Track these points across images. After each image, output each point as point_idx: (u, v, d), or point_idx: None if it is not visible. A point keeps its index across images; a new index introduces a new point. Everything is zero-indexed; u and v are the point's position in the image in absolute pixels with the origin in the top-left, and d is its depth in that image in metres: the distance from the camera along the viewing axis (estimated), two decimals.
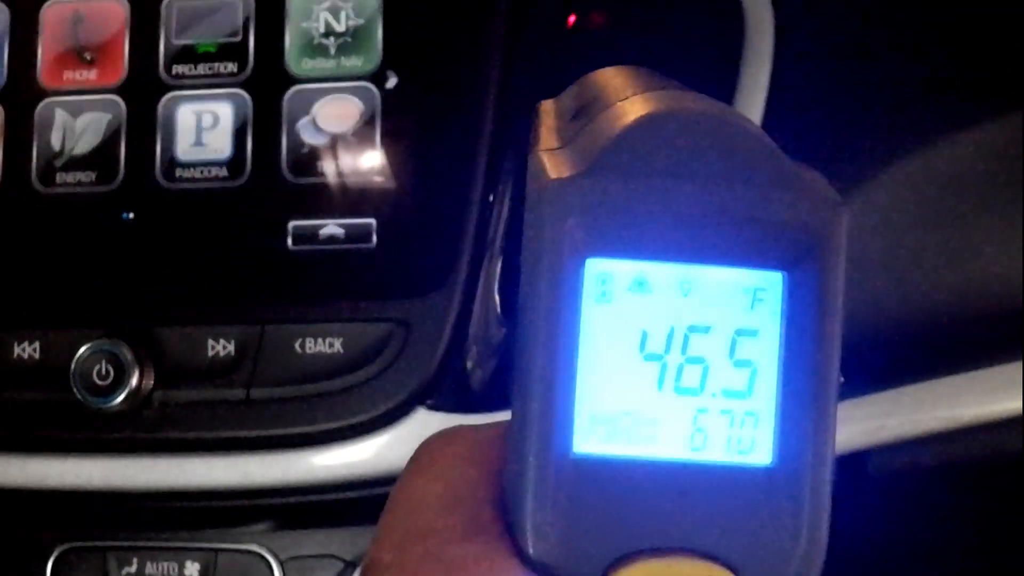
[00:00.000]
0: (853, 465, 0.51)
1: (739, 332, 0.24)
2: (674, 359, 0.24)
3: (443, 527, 0.24)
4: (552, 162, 0.24)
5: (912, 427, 0.47)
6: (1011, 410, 0.46)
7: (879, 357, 0.47)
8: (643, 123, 0.23)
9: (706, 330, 0.24)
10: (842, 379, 0.24)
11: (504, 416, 0.45)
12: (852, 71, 0.50)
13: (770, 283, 0.24)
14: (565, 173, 0.23)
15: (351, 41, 0.47)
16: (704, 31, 0.50)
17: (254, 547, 0.50)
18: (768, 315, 0.24)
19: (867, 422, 0.47)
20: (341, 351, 0.45)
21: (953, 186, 0.48)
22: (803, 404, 0.24)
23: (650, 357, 0.24)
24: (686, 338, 0.24)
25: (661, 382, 0.24)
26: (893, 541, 0.53)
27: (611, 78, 0.27)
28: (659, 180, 0.23)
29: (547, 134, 0.26)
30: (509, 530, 0.24)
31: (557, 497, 0.23)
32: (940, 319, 0.48)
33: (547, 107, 0.29)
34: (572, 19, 0.48)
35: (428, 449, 0.26)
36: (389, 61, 0.47)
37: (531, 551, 0.23)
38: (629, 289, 0.24)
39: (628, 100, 0.25)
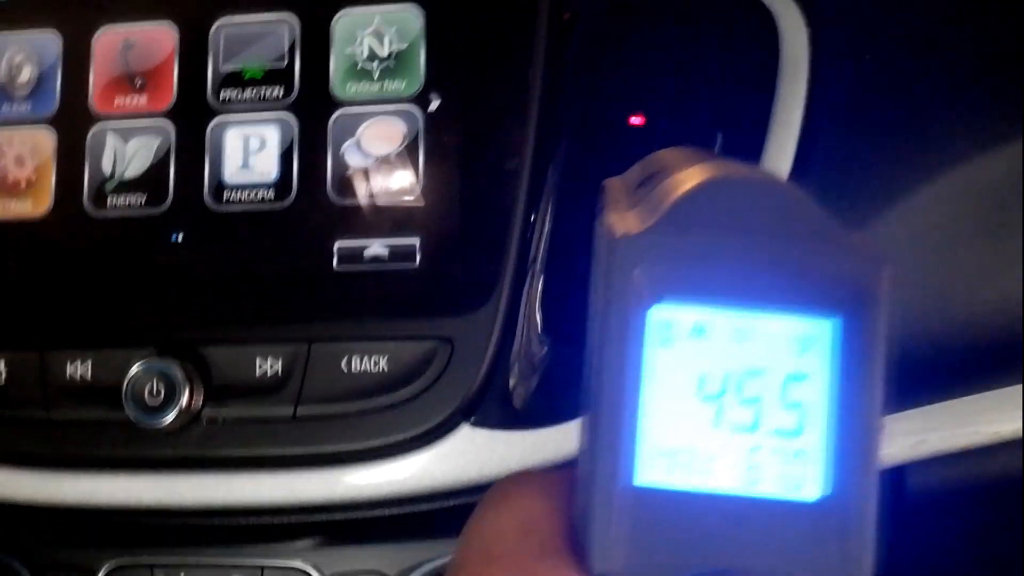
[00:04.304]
0: (892, 479, 0.51)
1: (790, 376, 0.26)
2: (729, 400, 0.26)
3: (517, 551, 0.26)
4: (620, 221, 0.26)
5: (953, 442, 0.47)
6: None
7: (919, 371, 0.47)
8: (704, 186, 0.26)
9: (759, 374, 0.26)
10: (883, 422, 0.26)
11: (546, 432, 0.46)
12: (887, 89, 0.50)
13: (819, 331, 0.26)
14: (633, 229, 0.25)
15: (394, 65, 0.48)
16: (738, 34, 0.51)
17: (299, 563, 0.50)
18: (817, 361, 0.26)
19: (908, 436, 0.47)
20: (386, 369, 0.46)
21: (989, 200, 0.48)
22: (849, 443, 0.25)
23: (707, 398, 0.26)
24: (741, 381, 0.26)
25: (717, 421, 0.26)
26: (931, 557, 0.53)
27: (672, 154, 0.30)
28: (718, 236, 0.25)
29: (614, 203, 0.29)
30: (577, 554, 0.26)
31: (621, 522, 0.25)
32: (980, 333, 0.48)
33: (613, 183, 0.31)
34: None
35: (500, 487, 0.29)
36: (432, 84, 0.47)
37: (596, 570, 0.25)
38: (689, 335, 0.26)
39: (690, 169, 0.27)
